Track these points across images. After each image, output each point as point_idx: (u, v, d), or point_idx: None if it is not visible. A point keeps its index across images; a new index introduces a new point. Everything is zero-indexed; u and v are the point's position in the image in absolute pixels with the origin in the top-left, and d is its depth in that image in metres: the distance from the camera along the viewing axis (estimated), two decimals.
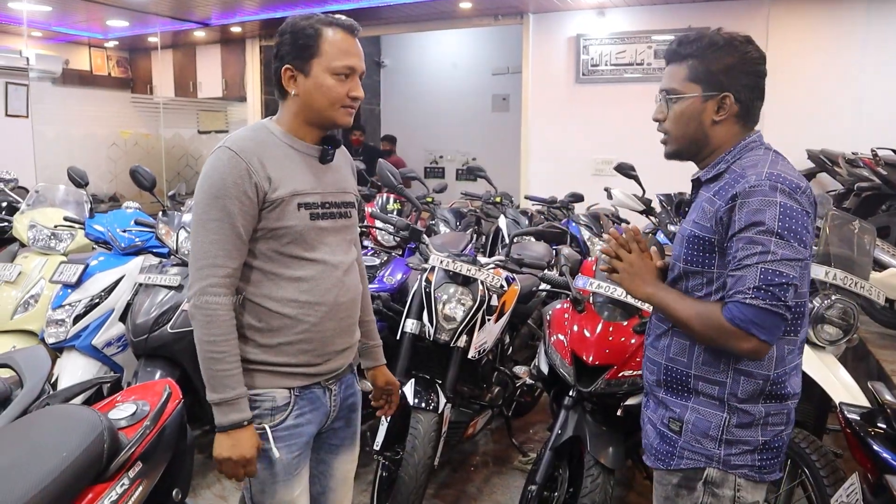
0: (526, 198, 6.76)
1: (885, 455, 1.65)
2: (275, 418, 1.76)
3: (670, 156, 1.70)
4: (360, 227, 4.64)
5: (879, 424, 1.75)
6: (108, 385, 3.35)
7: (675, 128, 1.65)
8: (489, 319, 3.10)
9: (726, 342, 1.50)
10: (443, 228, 5.28)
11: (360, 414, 2.04)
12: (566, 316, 2.81)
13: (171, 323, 3.20)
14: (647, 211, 3.86)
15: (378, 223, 3.92)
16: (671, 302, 1.60)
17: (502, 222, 5.49)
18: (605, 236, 1.77)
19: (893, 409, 1.71)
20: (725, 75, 1.58)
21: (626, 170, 4.70)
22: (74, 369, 3.38)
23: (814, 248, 2.55)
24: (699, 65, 1.59)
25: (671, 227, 3.60)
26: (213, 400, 1.69)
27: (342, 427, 1.96)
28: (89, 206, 3.99)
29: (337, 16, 1.75)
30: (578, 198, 5.85)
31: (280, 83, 1.75)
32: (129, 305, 3.47)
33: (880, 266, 2.79)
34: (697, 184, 1.69)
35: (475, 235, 5.55)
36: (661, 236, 3.83)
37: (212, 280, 1.66)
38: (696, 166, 1.71)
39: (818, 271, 2.37)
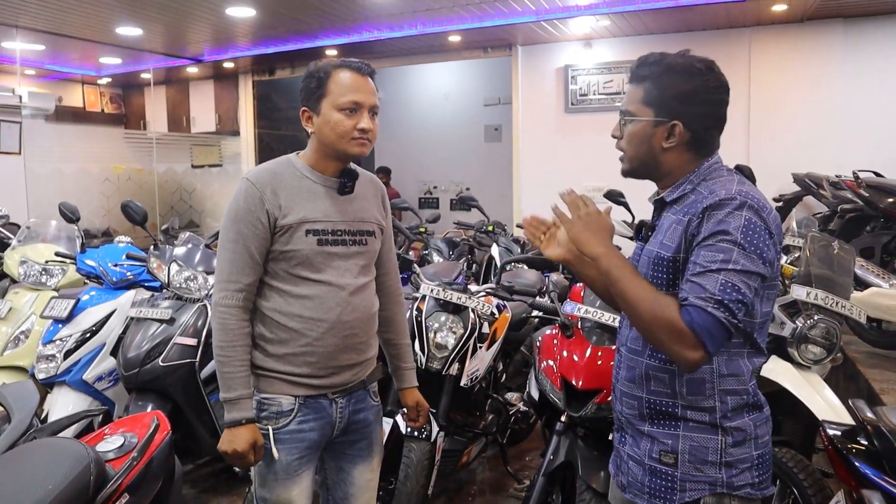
0: (518, 226, 6.81)
1: (865, 471, 1.67)
2: (279, 422, 1.92)
3: (626, 174, 1.69)
4: None
5: (861, 441, 1.77)
6: (100, 419, 3.34)
7: (628, 148, 1.64)
8: (481, 347, 3.12)
9: (670, 341, 1.41)
10: (436, 258, 5.31)
11: (380, 428, 2.18)
12: (555, 342, 2.82)
13: (162, 356, 3.20)
14: (637, 236, 3.91)
15: None
16: (623, 271, 1.50)
17: (495, 251, 5.52)
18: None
19: (874, 426, 1.73)
20: (678, 102, 1.54)
21: (615, 197, 4.76)
22: (65, 405, 3.36)
23: (795, 269, 2.59)
24: (654, 89, 1.56)
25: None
26: (221, 398, 1.87)
27: (358, 439, 2.09)
28: (81, 241, 4.01)
29: (351, 60, 1.93)
30: None
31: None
32: (120, 339, 3.47)
33: (863, 285, 2.82)
34: (660, 204, 1.65)
35: (468, 264, 5.58)
36: None
37: (225, 293, 1.87)
38: (656, 185, 1.69)
39: (800, 292, 2.40)
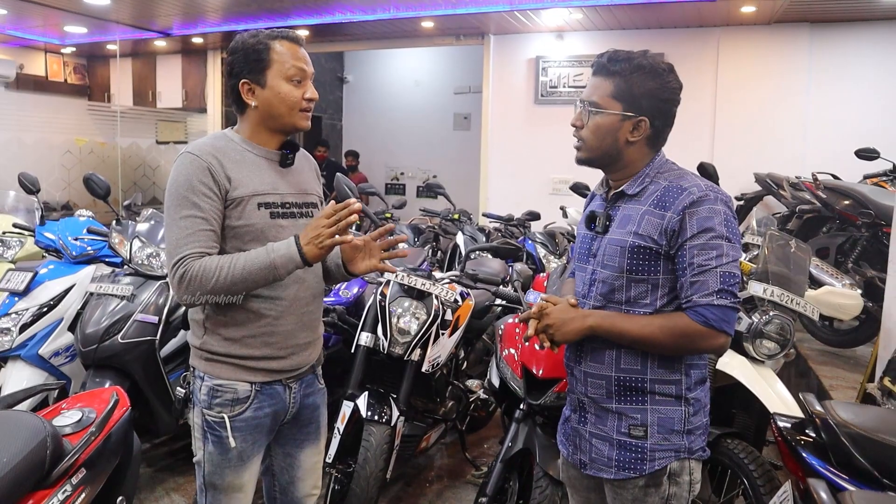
0: (483, 215, 6.84)
1: (811, 461, 1.74)
2: (234, 409, 1.86)
3: (581, 162, 1.77)
4: None
5: (808, 433, 1.84)
6: (55, 394, 3.29)
7: (591, 138, 1.71)
8: (443, 333, 3.13)
9: (698, 345, 1.60)
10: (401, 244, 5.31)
11: (326, 411, 2.14)
12: (517, 330, 2.85)
13: (122, 333, 3.16)
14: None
15: None
16: (623, 323, 1.64)
17: (460, 239, 5.54)
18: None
19: (822, 418, 1.80)
20: (646, 99, 1.66)
21: (581, 189, 4.80)
22: (20, 379, 3.29)
23: (753, 266, 2.66)
24: (624, 84, 1.66)
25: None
26: (279, 274, 1.74)
27: (306, 424, 2.05)
28: (40, 213, 3.92)
29: (283, 30, 1.87)
30: (535, 216, 5.94)
31: (238, 98, 1.86)
32: (79, 315, 3.41)
33: (817, 284, 2.91)
34: (616, 196, 1.74)
35: (433, 251, 5.60)
36: None
37: (188, 262, 1.71)
38: (607, 175, 1.79)
39: (757, 288, 2.46)
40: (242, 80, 1.83)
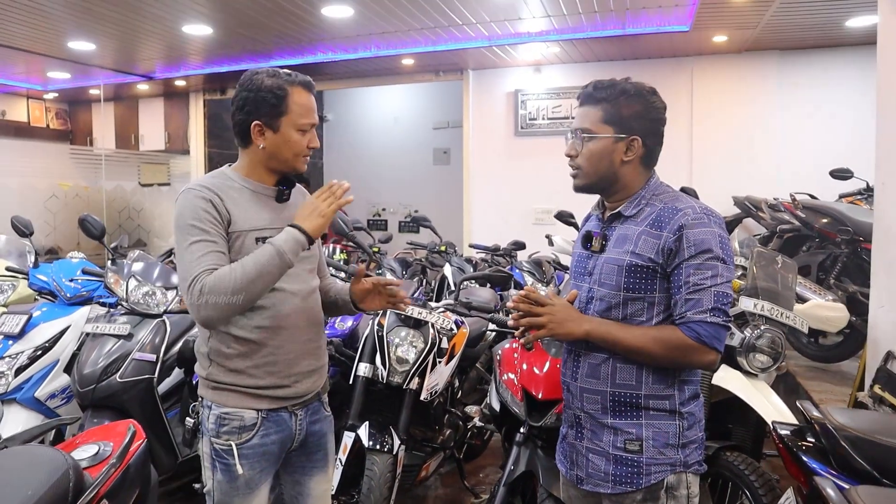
0: (470, 246, 6.91)
1: (813, 465, 1.80)
2: (241, 437, 1.89)
3: (580, 189, 1.85)
4: None
5: (808, 439, 1.90)
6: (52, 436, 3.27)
7: (587, 164, 1.80)
8: (440, 361, 3.17)
9: (689, 359, 1.66)
10: (389, 277, 5.34)
11: (333, 438, 2.17)
12: (515, 355, 2.90)
13: (120, 372, 3.16)
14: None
15: (331, 270, 3.97)
16: (618, 332, 1.70)
17: (447, 270, 5.60)
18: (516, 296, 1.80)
19: (820, 424, 1.86)
20: (635, 120, 1.75)
21: (565, 217, 4.89)
22: (16, 422, 3.26)
23: (742, 283, 2.75)
24: (612, 109, 1.75)
25: None
26: (286, 259, 1.80)
27: (313, 451, 2.08)
28: (34, 255, 3.93)
29: (297, 74, 1.94)
30: (521, 245, 6.02)
31: (246, 135, 1.91)
32: (74, 356, 3.41)
33: (801, 300, 3.00)
34: (613, 217, 1.82)
35: (420, 283, 5.64)
36: None
37: (201, 277, 1.74)
38: (604, 198, 1.87)
39: (748, 303, 2.55)
40: (255, 122, 1.89)
